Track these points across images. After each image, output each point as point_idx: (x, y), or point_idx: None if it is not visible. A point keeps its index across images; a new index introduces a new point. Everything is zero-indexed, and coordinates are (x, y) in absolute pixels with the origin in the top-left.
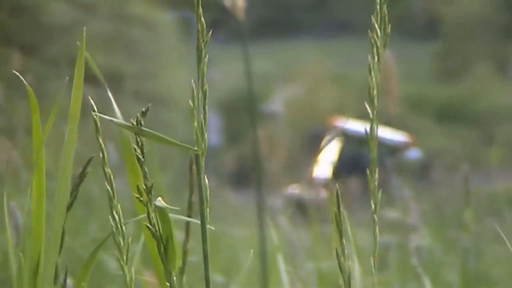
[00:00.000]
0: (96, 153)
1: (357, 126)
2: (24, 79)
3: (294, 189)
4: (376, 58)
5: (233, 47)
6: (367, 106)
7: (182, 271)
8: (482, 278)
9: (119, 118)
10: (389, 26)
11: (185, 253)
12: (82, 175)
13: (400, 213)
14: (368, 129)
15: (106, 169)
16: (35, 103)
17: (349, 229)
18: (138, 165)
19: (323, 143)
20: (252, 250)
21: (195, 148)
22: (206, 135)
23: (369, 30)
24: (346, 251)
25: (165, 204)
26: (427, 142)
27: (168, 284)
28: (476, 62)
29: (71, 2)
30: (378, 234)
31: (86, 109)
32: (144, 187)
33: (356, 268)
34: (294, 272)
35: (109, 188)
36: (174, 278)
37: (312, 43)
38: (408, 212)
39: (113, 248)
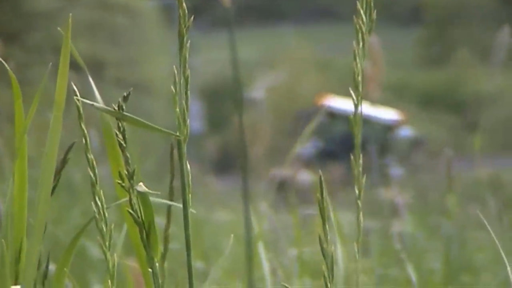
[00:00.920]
0: (78, 139)
1: (345, 104)
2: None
3: (277, 170)
4: (361, 44)
5: (214, 35)
6: (351, 92)
7: (163, 257)
8: (465, 264)
9: (100, 103)
10: (375, 11)
11: (166, 239)
12: (64, 161)
13: (389, 193)
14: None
15: (88, 155)
16: (18, 89)
17: (332, 215)
18: (120, 151)
19: (310, 122)
20: (232, 235)
21: (177, 134)
22: (188, 121)
23: (354, 16)
24: (329, 237)
25: (146, 189)
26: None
27: (150, 270)
28: (460, 48)
29: None
30: (362, 220)
31: (68, 95)
32: (126, 172)
33: (339, 254)
34: (276, 259)
35: (91, 174)
36: (157, 264)
37: (294, 30)
38: (397, 193)
39: (95, 234)
